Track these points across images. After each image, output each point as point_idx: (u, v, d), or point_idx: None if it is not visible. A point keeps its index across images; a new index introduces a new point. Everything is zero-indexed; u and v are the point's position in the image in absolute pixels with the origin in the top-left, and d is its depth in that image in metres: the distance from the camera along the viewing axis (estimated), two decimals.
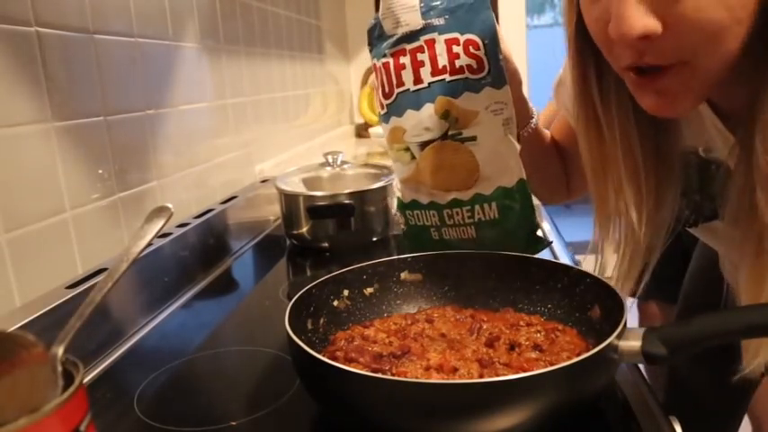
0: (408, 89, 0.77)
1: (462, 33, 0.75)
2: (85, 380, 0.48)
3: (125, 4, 0.95)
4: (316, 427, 0.61)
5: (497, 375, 0.57)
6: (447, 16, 0.75)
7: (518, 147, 0.77)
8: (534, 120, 0.85)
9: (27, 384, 0.39)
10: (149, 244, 0.54)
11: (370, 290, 0.76)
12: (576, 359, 0.51)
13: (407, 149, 0.79)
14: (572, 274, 0.71)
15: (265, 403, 0.64)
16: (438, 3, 0.76)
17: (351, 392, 0.53)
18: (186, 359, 0.78)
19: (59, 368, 0.42)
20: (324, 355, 0.60)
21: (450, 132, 0.76)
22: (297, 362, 0.58)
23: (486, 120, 0.75)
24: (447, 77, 0.75)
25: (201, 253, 1.07)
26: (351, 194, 1.15)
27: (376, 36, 0.80)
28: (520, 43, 1.18)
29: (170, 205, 0.58)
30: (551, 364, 0.57)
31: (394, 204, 1.24)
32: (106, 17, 0.90)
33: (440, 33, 0.75)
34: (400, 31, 0.77)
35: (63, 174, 0.80)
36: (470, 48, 0.74)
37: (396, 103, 0.78)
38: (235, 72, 1.39)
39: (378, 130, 2.19)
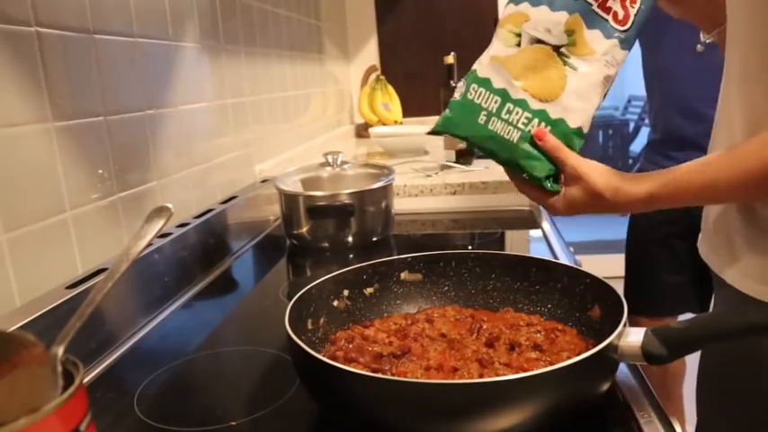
0: None
1: None
2: (85, 380, 0.48)
3: (125, 4, 0.95)
4: (316, 427, 0.61)
5: (497, 375, 0.57)
6: None
7: (601, 104, 0.80)
8: None
9: (27, 384, 0.39)
10: (149, 244, 0.54)
11: (370, 290, 0.76)
12: (575, 359, 0.51)
13: (519, 35, 0.80)
14: (572, 274, 0.71)
15: (265, 403, 0.64)
16: None
17: (351, 392, 0.53)
18: (186, 359, 0.78)
19: (59, 368, 0.42)
20: (324, 355, 0.60)
21: (561, 49, 0.78)
22: (297, 362, 0.58)
23: (596, 63, 0.78)
24: (595, 5, 0.77)
25: (201, 253, 1.07)
26: (351, 194, 1.15)
27: None
28: None
29: (170, 205, 0.58)
30: (551, 364, 0.56)
31: (394, 204, 1.24)
32: (106, 17, 0.90)
33: None
34: None
35: (63, 174, 0.80)
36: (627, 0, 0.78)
37: None
38: (235, 72, 1.39)
39: (377, 130, 2.18)
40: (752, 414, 0.70)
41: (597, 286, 0.66)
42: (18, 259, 0.71)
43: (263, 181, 1.44)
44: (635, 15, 0.78)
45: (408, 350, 0.63)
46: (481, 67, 0.82)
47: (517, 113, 0.78)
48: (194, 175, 1.16)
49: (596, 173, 0.75)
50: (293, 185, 1.25)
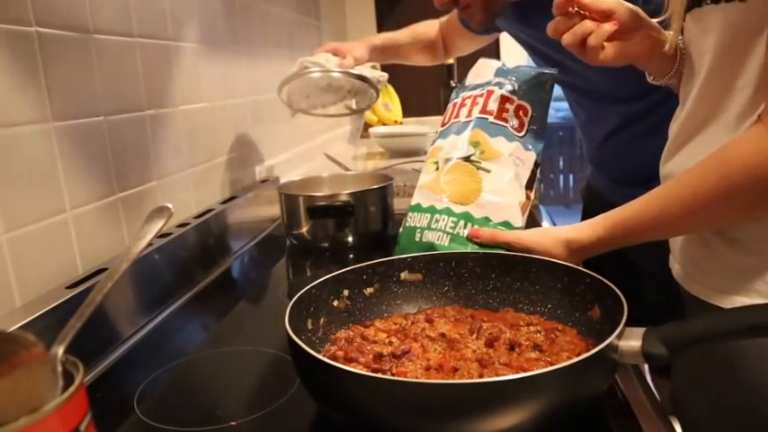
0: (460, 120, 0.94)
1: (519, 99, 0.91)
2: (85, 380, 0.48)
3: (125, 4, 0.95)
4: (316, 427, 0.61)
5: (497, 375, 0.57)
6: (514, 80, 0.92)
7: (524, 198, 0.88)
8: None
9: (27, 384, 0.39)
10: (149, 244, 0.54)
11: (370, 290, 0.76)
12: (575, 359, 0.51)
13: (436, 162, 0.92)
14: (572, 274, 0.71)
15: (265, 403, 0.64)
16: (513, 68, 0.95)
17: (351, 392, 0.53)
18: (186, 359, 0.78)
19: (59, 368, 0.42)
20: (324, 355, 0.60)
21: (472, 158, 0.89)
22: (297, 362, 0.58)
23: (505, 163, 0.88)
24: (491, 118, 0.90)
25: (201, 253, 1.07)
26: (351, 194, 1.15)
27: (457, 89, 1.01)
28: (520, 49, 1.23)
29: (170, 205, 0.58)
30: (551, 364, 0.57)
31: (394, 204, 1.24)
32: (106, 17, 0.90)
33: (500, 88, 0.92)
34: (476, 82, 0.96)
35: (63, 174, 0.80)
36: (521, 112, 0.91)
37: (446, 129, 0.95)
38: (235, 72, 1.39)
39: (377, 130, 2.19)
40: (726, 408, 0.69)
41: (597, 286, 0.66)
42: (18, 259, 0.71)
43: (263, 181, 1.44)
44: (528, 123, 0.90)
45: (408, 350, 0.63)
46: (413, 197, 0.93)
47: (443, 221, 0.86)
48: (194, 175, 1.16)
49: (541, 239, 0.77)
50: (293, 186, 1.25)
